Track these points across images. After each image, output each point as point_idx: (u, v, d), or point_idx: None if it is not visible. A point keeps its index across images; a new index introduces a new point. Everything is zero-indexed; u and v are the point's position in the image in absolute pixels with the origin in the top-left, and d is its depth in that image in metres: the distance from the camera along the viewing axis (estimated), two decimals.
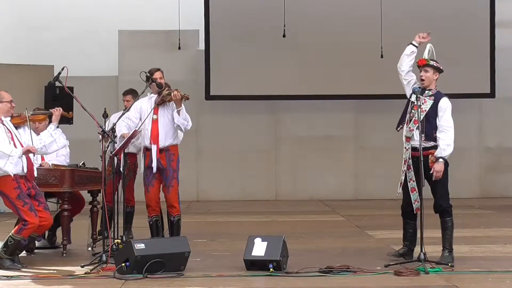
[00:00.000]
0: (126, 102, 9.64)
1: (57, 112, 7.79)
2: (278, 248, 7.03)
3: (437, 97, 7.52)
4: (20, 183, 7.41)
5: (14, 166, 7.35)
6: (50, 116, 7.97)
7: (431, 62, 7.54)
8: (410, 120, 7.50)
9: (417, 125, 7.39)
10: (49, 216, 7.56)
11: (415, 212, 7.54)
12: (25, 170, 7.44)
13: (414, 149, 7.43)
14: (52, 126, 7.71)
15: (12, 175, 7.37)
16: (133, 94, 9.47)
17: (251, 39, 15.52)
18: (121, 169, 8.95)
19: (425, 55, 7.62)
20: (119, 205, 8.10)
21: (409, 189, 7.50)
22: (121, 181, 8.72)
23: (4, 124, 7.47)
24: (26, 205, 7.35)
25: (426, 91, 7.51)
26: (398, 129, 7.64)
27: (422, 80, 7.54)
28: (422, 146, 7.27)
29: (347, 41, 15.35)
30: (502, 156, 15.99)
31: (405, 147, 7.51)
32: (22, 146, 7.46)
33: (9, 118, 7.56)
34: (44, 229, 7.78)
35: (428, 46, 7.68)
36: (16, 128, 7.64)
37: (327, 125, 16.03)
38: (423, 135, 7.38)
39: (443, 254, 7.44)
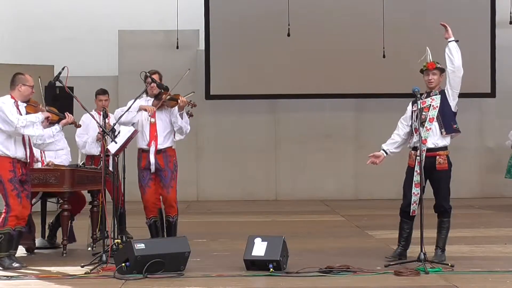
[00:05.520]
0: (104, 102, 9.75)
1: (69, 119, 7.82)
2: (278, 248, 7.04)
3: (440, 91, 7.63)
4: (16, 167, 7.41)
5: (39, 130, 7.38)
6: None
7: (438, 65, 7.63)
8: (424, 122, 7.50)
9: (433, 122, 7.46)
10: (28, 205, 7.57)
11: (411, 215, 7.59)
12: (28, 157, 7.47)
13: (428, 150, 7.46)
14: (57, 127, 7.71)
15: (20, 155, 7.38)
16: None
17: (251, 39, 15.52)
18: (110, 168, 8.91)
19: (430, 58, 7.66)
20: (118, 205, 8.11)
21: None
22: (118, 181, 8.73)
23: (18, 109, 7.48)
24: (15, 190, 7.37)
25: (433, 91, 7.60)
26: (411, 141, 7.66)
27: (431, 82, 7.60)
28: (436, 146, 7.44)
29: (348, 40, 15.34)
30: (502, 156, 15.94)
31: (422, 149, 7.50)
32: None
33: (25, 105, 7.58)
34: (23, 218, 7.55)
35: (427, 49, 7.72)
36: None
37: (327, 125, 16.02)
38: (443, 130, 7.51)
39: (436, 253, 7.52)
